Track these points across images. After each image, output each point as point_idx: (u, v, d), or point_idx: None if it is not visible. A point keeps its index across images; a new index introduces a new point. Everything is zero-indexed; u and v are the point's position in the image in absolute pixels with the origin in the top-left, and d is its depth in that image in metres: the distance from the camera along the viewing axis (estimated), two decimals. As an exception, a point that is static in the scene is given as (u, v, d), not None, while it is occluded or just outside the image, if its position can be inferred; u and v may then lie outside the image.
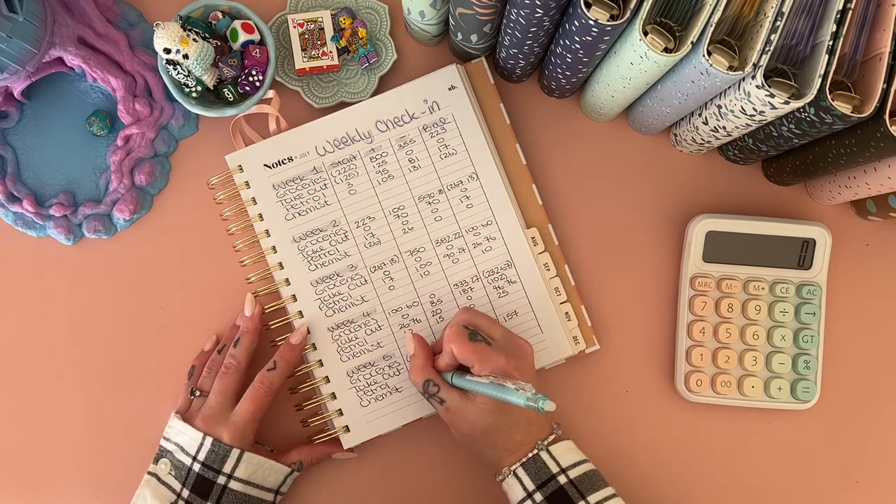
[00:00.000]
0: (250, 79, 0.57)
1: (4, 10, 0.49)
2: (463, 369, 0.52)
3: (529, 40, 0.52)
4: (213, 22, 0.58)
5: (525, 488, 0.50)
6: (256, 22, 0.58)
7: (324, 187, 0.59)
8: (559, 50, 0.52)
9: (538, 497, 0.49)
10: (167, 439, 0.54)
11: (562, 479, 0.49)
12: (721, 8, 0.44)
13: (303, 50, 0.59)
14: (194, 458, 0.52)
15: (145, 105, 0.59)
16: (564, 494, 0.49)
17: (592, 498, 0.49)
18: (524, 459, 0.50)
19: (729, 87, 0.49)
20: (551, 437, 0.51)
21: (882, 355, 0.61)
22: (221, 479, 0.51)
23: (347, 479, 0.59)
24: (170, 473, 0.52)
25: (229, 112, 0.58)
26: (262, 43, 0.58)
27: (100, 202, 0.60)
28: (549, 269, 0.59)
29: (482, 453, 0.52)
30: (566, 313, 0.59)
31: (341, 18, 0.60)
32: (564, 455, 0.51)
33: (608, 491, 0.50)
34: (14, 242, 0.61)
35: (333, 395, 0.58)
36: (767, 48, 0.44)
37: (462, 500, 0.59)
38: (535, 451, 0.50)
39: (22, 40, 0.51)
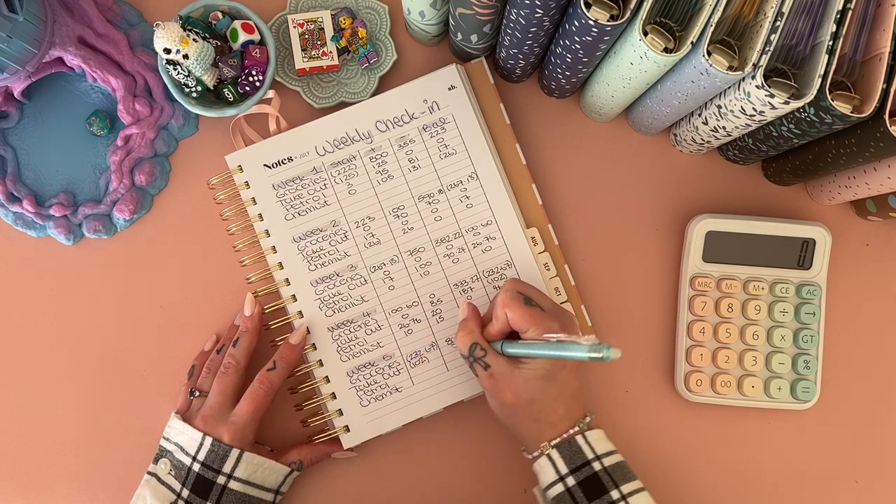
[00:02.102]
0: (250, 79, 0.57)
1: (4, 10, 0.49)
2: (512, 339, 0.51)
3: (529, 40, 0.52)
4: (213, 22, 0.58)
5: (557, 471, 0.50)
6: (256, 22, 0.58)
7: (324, 187, 0.59)
8: (559, 50, 0.52)
9: (570, 481, 0.49)
10: (167, 439, 0.54)
11: (596, 466, 0.49)
12: (721, 8, 0.44)
13: (303, 50, 0.59)
14: (194, 458, 0.52)
15: (145, 105, 0.59)
16: (598, 481, 0.49)
17: (625, 488, 0.49)
18: (558, 440, 0.50)
19: (729, 87, 0.49)
20: (588, 419, 0.52)
21: (882, 355, 0.61)
22: (221, 479, 0.51)
23: (347, 479, 0.59)
24: (169, 473, 0.52)
25: (229, 112, 0.58)
26: (262, 43, 0.58)
27: (100, 202, 0.60)
28: (549, 269, 0.59)
29: (522, 426, 0.52)
30: (566, 313, 0.59)
31: (341, 18, 0.60)
32: (598, 443, 0.51)
33: (638, 483, 0.50)
34: (14, 242, 0.61)
35: (333, 395, 0.58)
36: (767, 48, 0.44)
37: (462, 500, 0.59)
38: (571, 434, 0.50)
39: (22, 40, 0.51)
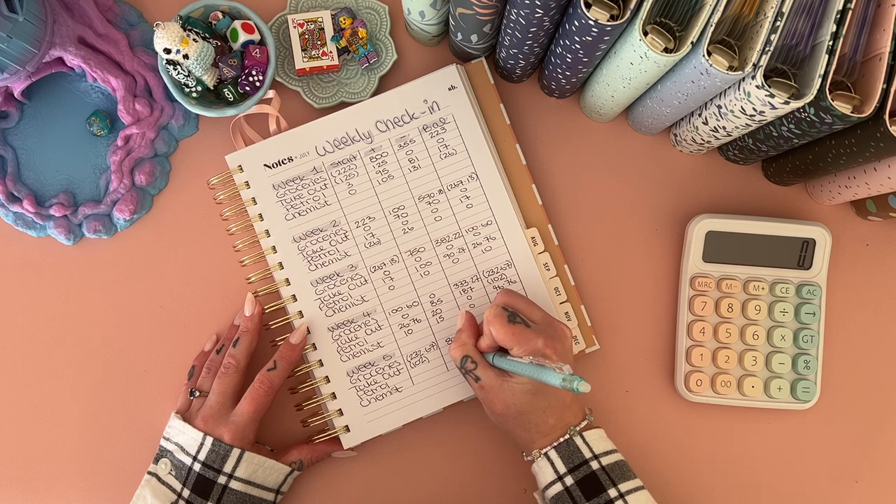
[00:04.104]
0: (250, 79, 0.57)
1: (4, 10, 0.49)
2: (504, 350, 0.52)
3: (529, 40, 0.52)
4: (213, 22, 0.58)
5: (556, 470, 0.50)
6: (256, 22, 0.58)
7: (324, 187, 0.59)
8: (559, 50, 0.52)
9: (569, 480, 0.49)
10: (167, 439, 0.54)
11: (594, 465, 0.50)
12: (721, 8, 0.44)
13: (303, 50, 0.59)
14: (195, 458, 0.52)
15: (145, 105, 0.59)
16: (595, 480, 0.49)
17: (623, 486, 0.49)
18: (556, 443, 0.50)
19: (729, 87, 0.49)
20: (583, 424, 0.52)
21: (882, 355, 0.61)
22: (222, 479, 0.51)
23: (347, 478, 0.59)
24: (170, 473, 0.52)
25: (229, 112, 0.58)
26: (262, 43, 0.58)
27: (100, 202, 0.60)
28: (549, 269, 0.59)
29: (514, 434, 0.52)
30: (566, 313, 0.59)
31: (341, 18, 0.60)
32: (597, 442, 0.51)
33: (637, 482, 0.50)
34: (14, 242, 0.61)
35: (333, 395, 0.58)
36: (767, 48, 0.45)
37: (462, 500, 0.59)
38: (569, 436, 0.50)
39: (22, 40, 0.51)
